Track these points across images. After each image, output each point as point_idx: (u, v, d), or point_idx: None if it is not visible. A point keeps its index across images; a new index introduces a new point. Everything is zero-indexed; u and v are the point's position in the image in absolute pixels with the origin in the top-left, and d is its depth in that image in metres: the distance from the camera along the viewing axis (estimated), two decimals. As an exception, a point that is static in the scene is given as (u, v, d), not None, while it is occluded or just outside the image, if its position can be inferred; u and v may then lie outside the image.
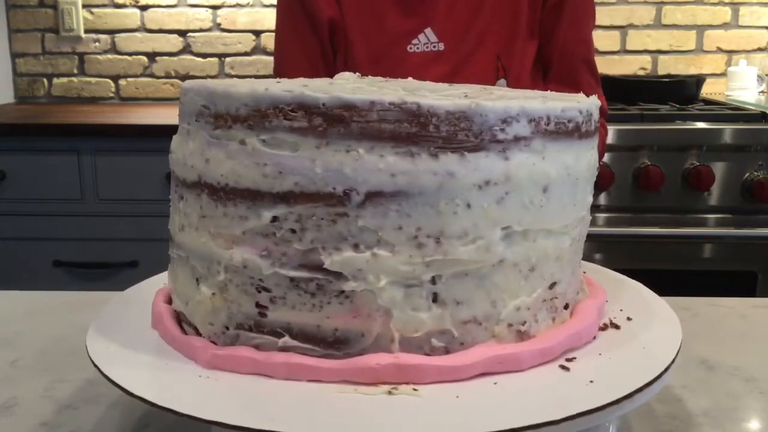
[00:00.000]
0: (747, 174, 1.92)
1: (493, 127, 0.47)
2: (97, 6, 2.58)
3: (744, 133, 1.92)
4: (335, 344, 0.49)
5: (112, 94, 2.64)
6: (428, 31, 1.22)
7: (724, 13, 2.55)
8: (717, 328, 0.82)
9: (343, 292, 0.48)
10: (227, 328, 0.52)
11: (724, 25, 2.56)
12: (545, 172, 0.50)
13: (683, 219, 1.94)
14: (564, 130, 0.51)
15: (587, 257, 0.61)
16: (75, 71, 2.63)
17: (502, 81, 1.22)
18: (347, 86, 0.59)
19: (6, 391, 0.67)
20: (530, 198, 0.49)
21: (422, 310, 0.48)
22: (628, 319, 0.58)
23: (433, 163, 0.47)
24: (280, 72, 1.27)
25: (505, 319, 0.50)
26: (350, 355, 0.49)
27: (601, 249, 1.93)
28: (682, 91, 2.25)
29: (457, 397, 0.47)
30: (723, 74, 2.56)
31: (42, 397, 0.66)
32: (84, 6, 2.58)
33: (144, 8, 2.58)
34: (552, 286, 0.53)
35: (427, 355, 0.49)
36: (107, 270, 2.10)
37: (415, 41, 1.22)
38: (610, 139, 1.91)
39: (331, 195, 0.47)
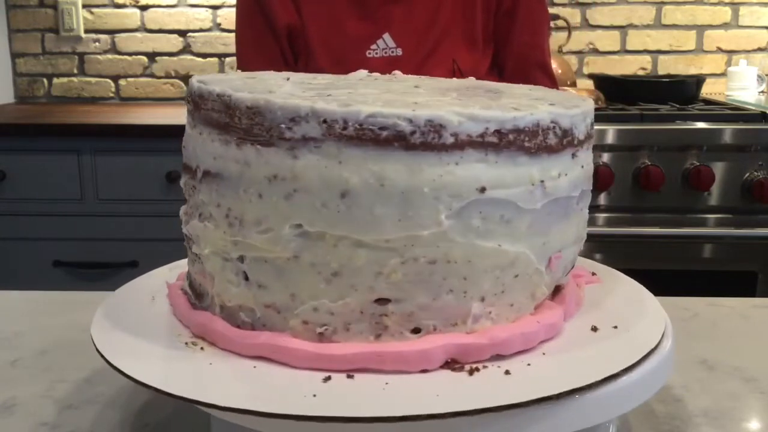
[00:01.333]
0: (747, 174, 1.92)
1: (280, 124, 0.48)
2: (97, 6, 2.58)
3: (744, 133, 1.92)
4: (198, 297, 0.57)
5: (112, 94, 2.64)
6: (386, 36, 1.25)
7: (724, 13, 2.55)
8: (717, 328, 0.82)
9: (196, 253, 0.55)
10: None
11: (724, 25, 2.56)
12: (342, 178, 0.47)
13: (683, 219, 1.94)
14: (371, 137, 0.47)
15: (587, 257, 0.61)
16: (75, 71, 2.63)
17: None
18: (338, 82, 0.59)
19: (6, 391, 0.67)
20: (323, 201, 0.48)
21: (234, 284, 0.52)
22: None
23: (237, 152, 0.50)
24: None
25: (299, 315, 0.50)
26: (204, 308, 0.56)
27: (601, 249, 1.93)
28: (682, 91, 2.25)
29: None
30: (723, 74, 2.56)
31: (42, 397, 0.66)
32: (84, 6, 2.58)
33: (144, 8, 2.58)
34: (382, 302, 0.50)
35: (239, 327, 0.53)
36: (107, 270, 2.10)
37: (373, 46, 1.25)
38: (610, 139, 1.91)
39: (191, 169, 0.55)
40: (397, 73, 0.70)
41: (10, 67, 2.64)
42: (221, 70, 2.61)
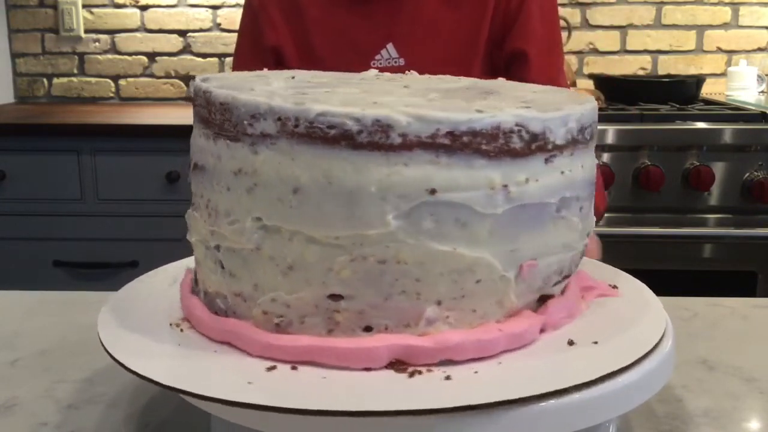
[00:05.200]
0: (747, 174, 1.92)
1: (243, 121, 0.50)
2: (97, 6, 2.58)
3: (744, 133, 1.92)
4: (195, 282, 0.60)
5: (112, 94, 2.64)
6: (390, 46, 1.27)
7: (724, 13, 2.55)
8: (717, 328, 0.82)
9: (189, 240, 0.58)
10: None
11: (724, 25, 2.56)
12: (294, 174, 0.49)
13: (683, 219, 1.95)
14: (320, 135, 0.48)
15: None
16: (75, 71, 2.63)
17: None
18: (333, 81, 0.60)
19: (6, 391, 0.67)
20: (279, 195, 0.50)
21: (213, 272, 0.55)
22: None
23: (213, 146, 0.53)
24: None
25: (261, 305, 0.52)
26: (196, 294, 0.58)
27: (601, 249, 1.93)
28: (682, 91, 2.25)
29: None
30: (723, 74, 2.56)
31: (42, 397, 0.66)
32: (84, 6, 2.58)
33: (144, 8, 2.58)
34: (335, 298, 0.50)
35: (216, 313, 0.55)
36: (107, 270, 2.10)
37: (378, 56, 1.27)
38: (610, 139, 1.91)
39: (192, 163, 0.57)
40: (413, 72, 0.71)
41: (10, 67, 2.64)
42: (221, 70, 2.61)
